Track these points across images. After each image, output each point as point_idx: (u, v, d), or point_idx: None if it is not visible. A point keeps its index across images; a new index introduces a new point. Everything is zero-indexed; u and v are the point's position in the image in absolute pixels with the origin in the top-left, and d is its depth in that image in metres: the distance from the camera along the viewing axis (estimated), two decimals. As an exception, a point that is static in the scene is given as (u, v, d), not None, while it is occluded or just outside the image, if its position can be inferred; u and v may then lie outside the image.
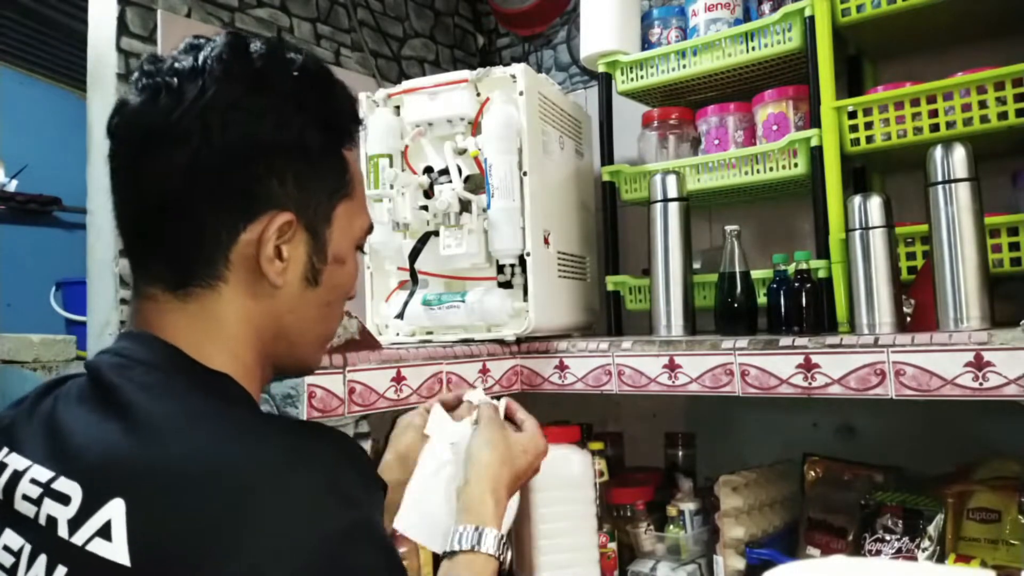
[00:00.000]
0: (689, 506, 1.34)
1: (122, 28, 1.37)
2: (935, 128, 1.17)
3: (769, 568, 0.78)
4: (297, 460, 0.55)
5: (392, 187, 1.33)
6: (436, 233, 1.35)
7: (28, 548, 0.53)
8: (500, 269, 1.36)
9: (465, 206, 1.29)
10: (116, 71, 1.37)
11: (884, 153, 1.24)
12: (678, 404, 1.60)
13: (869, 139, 1.22)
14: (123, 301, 1.36)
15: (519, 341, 1.37)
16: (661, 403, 1.61)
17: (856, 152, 1.24)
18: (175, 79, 0.61)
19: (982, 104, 1.13)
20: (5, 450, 0.59)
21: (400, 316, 1.38)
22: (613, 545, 1.34)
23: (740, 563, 1.23)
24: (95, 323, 1.41)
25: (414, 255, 1.38)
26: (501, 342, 1.34)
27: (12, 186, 3.11)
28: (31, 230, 3.16)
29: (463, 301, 1.31)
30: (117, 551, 0.50)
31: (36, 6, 2.53)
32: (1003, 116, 1.11)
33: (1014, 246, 1.11)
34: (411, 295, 1.37)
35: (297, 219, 0.64)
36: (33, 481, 0.55)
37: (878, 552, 1.12)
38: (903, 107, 1.19)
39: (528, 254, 1.32)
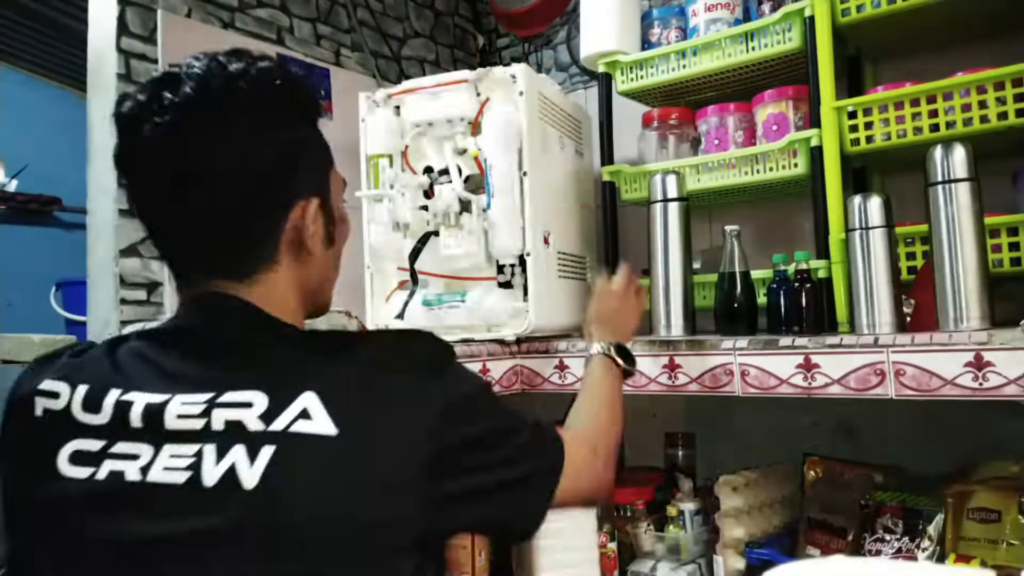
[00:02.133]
0: (689, 506, 1.34)
1: (122, 28, 1.37)
2: (935, 128, 1.17)
3: (769, 568, 0.78)
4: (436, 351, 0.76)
5: (392, 187, 1.33)
6: (436, 233, 1.35)
7: (211, 448, 0.63)
8: (500, 269, 1.36)
9: (465, 206, 1.30)
10: (116, 71, 1.37)
11: (884, 153, 1.24)
12: (678, 404, 1.60)
13: (869, 139, 1.22)
14: (123, 301, 1.36)
15: (519, 341, 1.37)
16: (661, 403, 1.61)
17: (856, 152, 1.24)
18: (186, 113, 0.69)
19: (982, 104, 1.13)
20: (117, 391, 0.67)
21: (400, 316, 1.38)
22: (613, 545, 1.34)
23: (740, 563, 1.23)
24: (95, 323, 1.41)
25: (414, 255, 1.38)
26: (501, 342, 1.34)
27: (12, 186, 3.11)
28: (31, 230, 3.16)
29: (463, 301, 1.31)
30: (321, 425, 0.63)
31: (36, 6, 2.53)
32: (1003, 116, 1.12)
33: (1014, 246, 1.11)
34: (411, 295, 1.38)
35: (319, 199, 0.77)
36: (185, 403, 0.65)
37: (878, 552, 1.12)
38: (903, 107, 1.19)
39: (528, 254, 1.32)
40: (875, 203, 1.11)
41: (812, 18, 1.26)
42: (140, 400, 0.66)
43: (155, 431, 0.64)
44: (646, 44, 1.55)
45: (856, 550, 1.14)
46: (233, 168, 0.70)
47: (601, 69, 1.54)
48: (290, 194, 0.75)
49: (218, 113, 0.70)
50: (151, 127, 0.68)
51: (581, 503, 0.89)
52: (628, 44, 1.53)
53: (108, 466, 0.64)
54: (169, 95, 0.69)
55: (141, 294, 1.38)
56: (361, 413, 0.65)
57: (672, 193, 1.31)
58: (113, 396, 0.67)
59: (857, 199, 1.13)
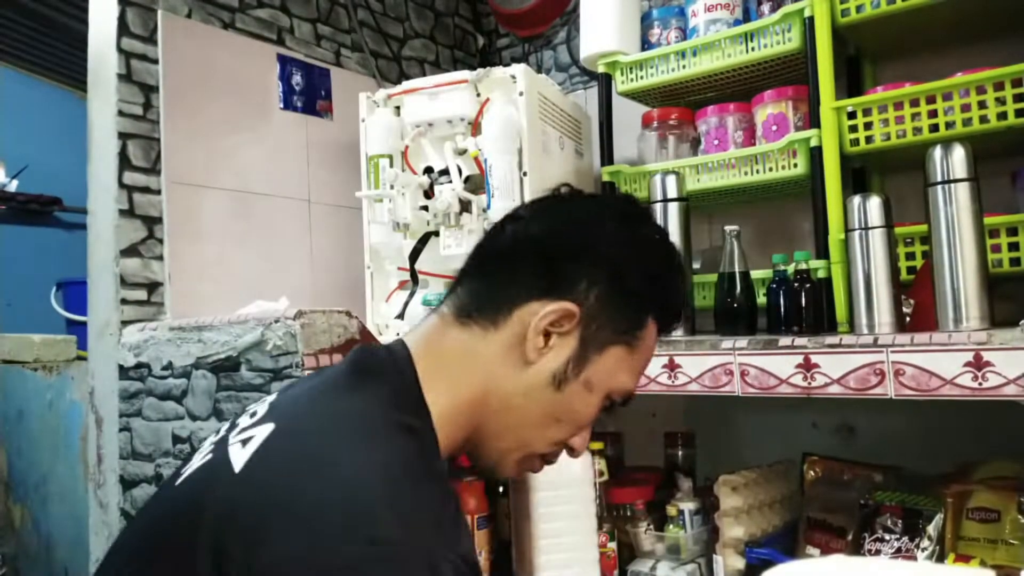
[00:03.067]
0: (689, 506, 1.34)
1: (122, 28, 1.37)
2: (935, 128, 1.17)
3: (769, 568, 0.78)
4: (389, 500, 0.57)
5: (392, 187, 1.34)
6: (436, 233, 1.35)
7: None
8: (500, 269, 1.36)
9: (465, 206, 1.30)
10: (116, 71, 1.37)
11: (884, 153, 1.24)
12: (678, 404, 1.60)
13: (869, 139, 1.22)
14: (123, 301, 1.36)
15: (519, 341, 1.36)
16: (661, 403, 1.61)
17: (856, 152, 1.25)
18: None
19: (982, 104, 1.13)
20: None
21: (400, 316, 1.38)
22: (613, 545, 1.34)
23: (740, 563, 1.23)
24: (95, 323, 1.42)
25: (414, 255, 1.38)
26: (501, 342, 1.34)
27: (12, 186, 3.11)
28: (31, 230, 3.17)
29: (463, 301, 1.31)
30: (239, 457, 0.61)
31: (36, 6, 2.54)
32: (1003, 116, 1.12)
33: (1013, 246, 1.11)
34: (411, 295, 1.38)
35: (580, 322, 0.71)
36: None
37: (877, 552, 1.12)
38: (903, 107, 1.19)
39: (528, 254, 1.32)
40: (875, 203, 1.11)
41: (812, 18, 1.26)
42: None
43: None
44: (646, 44, 1.55)
45: (856, 550, 1.14)
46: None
47: (601, 69, 1.54)
48: (562, 286, 0.71)
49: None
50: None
51: None
52: (628, 44, 1.53)
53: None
54: None
55: (141, 294, 1.38)
56: (268, 472, 0.61)
57: (672, 193, 1.31)
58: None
59: (857, 199, 1.13)
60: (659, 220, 1.31)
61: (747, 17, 1.46)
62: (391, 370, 0.68)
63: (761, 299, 1.26)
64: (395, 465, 0.58)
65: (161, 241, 1.41)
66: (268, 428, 0.63)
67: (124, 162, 1.37)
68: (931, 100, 1.17)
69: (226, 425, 0.72)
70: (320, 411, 0.66)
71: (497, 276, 0.73)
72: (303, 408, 0.68)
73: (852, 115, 1.23)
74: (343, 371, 0.69)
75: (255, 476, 0.59)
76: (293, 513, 0.55)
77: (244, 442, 0.63)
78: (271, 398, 0.73)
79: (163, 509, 0.67)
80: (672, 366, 1.20)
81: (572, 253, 0.72)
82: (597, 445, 1.39)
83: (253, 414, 0.68)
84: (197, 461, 0.67)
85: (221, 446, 0.65)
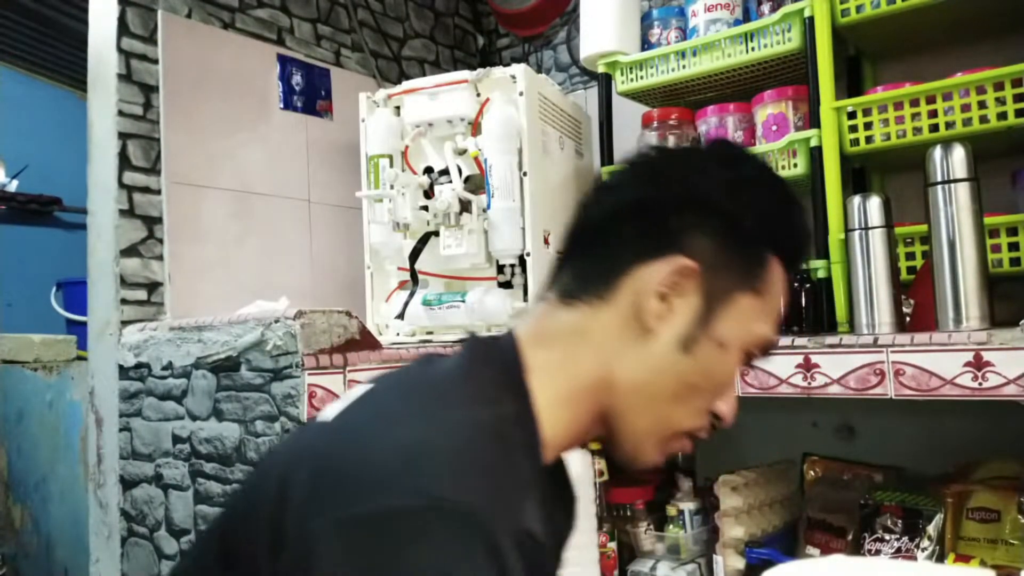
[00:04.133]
0: (689, 506, 1.34)
1: (122, 28, 1.37)
2: (935, 128, 1.17)
3: (769, 568, 0.78)
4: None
5: (392, 187, 1.34)
6: (436, 233, 1.35)
7: None
8: (500, 269, 1.36)
9: (465, 206, 1.30)
10: (116, 71, 1.37)
11: (884, 153, 1.24)
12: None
13: (869, 139, 1.22)
14: (123, 301, 1.36)
15: (519, 341, 1.36)
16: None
17: (856, 152, 1.25)
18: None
19: (982, 104, 1.13)
20: None
21: (400, 316, 1.38)
22: (613, 545, 1.34)
23: (740, 563, 1.23)
24: (95, 323, 1.42)
25: (414, 255, 1.38)
26: (501, 342, 1.34)
27: (12, 186, 3.11)
28: (31, 230, 3.17)
29: (463, 301, 1.31)
30: (332, 410, 0.61)
31: (36, 6, 2.54)
32: (1003, 116, 1.12)
33: (1013, 246, 1.11)
34: (411, 295, 1.38)
35: (697, 276, 0.64)
36: None
37: (877, 552, 1.12)
38: (903, 107, 1.19)
39: (528, 254, 1.32)
40: (874, 203, 1.11)
41: (812, 18, 1.26)
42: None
43: None
44: (646, 44, 1.55)
45: (856, 550, 1.14)
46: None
47: (601, 69, 1.54)
48: (671, 240, 0.65)
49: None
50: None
51: None
52: (628, 44, 1.53)
53: None
54: None
55: (141, 294, 1.38)
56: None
57: (672, 193, 1.31)
58: None
59: (856, 199, 1.13)
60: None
61: (747, 17, 1.46)
62: (495, 354, 0.65)
63: (761, 299, 1.26)
64: (468, 429, 0.56)
65: (161, 241, 1.41)
66: (365, 388, 0.63)
67: (124, 162, 1.37)
68: (931, 100, 1.17)
69: None
70: (414, 379, 0.65)
71: (599, 249, 0.68)
72: (401, 376, 0.67)
73: (852, 115, 1.23)
74: (456, 355, 0.67)
75: (335, 424, 0.59)
76: (348, 459, 0.54)
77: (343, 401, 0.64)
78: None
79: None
80: (672, 366, 1.19)
81: (676, 206, 0.66)
82: (597, 445, 1.39)
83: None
84: None
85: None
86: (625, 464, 0.70)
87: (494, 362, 0.64)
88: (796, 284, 1.21)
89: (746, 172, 0.70)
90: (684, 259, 0.63)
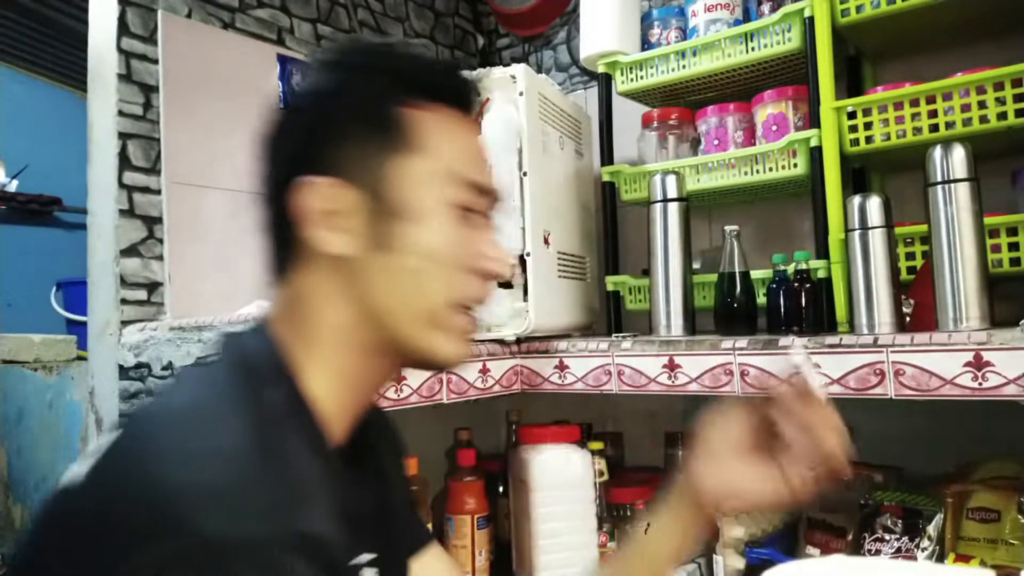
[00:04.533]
0: (689, 506, 1.34)
1: (122, 28, 1.37)
2: (935, 128, 1.17)
3: (769, 568, 0.78)
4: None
5: (392, 187, 1.33)
6: (436, 233, 1.35)
7: None
8: (500, 269, 1.36)
9: (465, 206, 1.30)
10: (116, 71, 1.37)
11: (884, 153, 1.24)
12: (678, 404, 1.60)
13: (869, 139, 1.22)
14: (123, 301, 1.36)
15: (519, 341, 1.37)
16: (661, 403, 1.61)
17: (856, 152, 1.25)
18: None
19: (982, 104, 1.13)
20: None
21: (400, 316, 1.38)
22: (613, 545, 1.34)
23: (740, 562, 1.23)
24: (95, 323, 1.41)
25: (414, 255, 1.38)
26: (501, 342, 1.34)
27: (12, 186, 3.11)
28: (31, 230, 3.17)
29: (463, 301, 1.31)
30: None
31: (36, 6, 2.54)
32: (1003, 116, 1.12)
33: (1013, 246, 1.11)
34: (411, 295, 1.38)
35: (336, 182, 0.63)
36: None
37: (877, 552, 1.12)
38: (903, 107, 1.19)
39: (528, 254, 1.32)
40: (874, 203, 1.11)
41: (812, 18, 1.26)
42: None
43: None
44: (646, 44, 1.55)
45: (855, 550, 1.14)
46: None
47: (601, 69, 1.54)
48: (303, 169, 0.63)
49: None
50: None
51: None
52: (628, 44, 1.53)
53: None
54: None
55: (142, 294, 1.38)
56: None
57: (672, 193, 1.31)
58: None
59: (856, 199, 1.13)
60: (659, 220, 1.31)
61: (747, 17, 1.46)
62: (249, 351, 0.63)
63: (761, 299, 1.26)
64: (225, 455, 0.53)
65: (161, 241, 1.41)
66: (112, 435, 0.58)
67: (124, 162, 1.37)
68: (931, 100, 1.17)
69: None
70: (164, 411, 0.60)
71: (262, 220, 0.67)
72: (151, 411, 0.62)
73: (852, 115, 1.23)
74: (210, 363, 0.64)
75: (89, 480, 0.54)
76: (109, 517, 0.50)
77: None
78: None
79: None
80: (672, 366, 1.20)
81: (276, 155, 0.67)
82: (597, 445, 1.39)
83: None
84: None
85: None
86: (435, 366, 0.68)
87: (247, 361, 0.62)
88: (796, 284, 1.21)
89: (320, 75, 0.69)
90: (311, 179, 0.63)
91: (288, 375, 0.62)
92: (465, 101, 0.70)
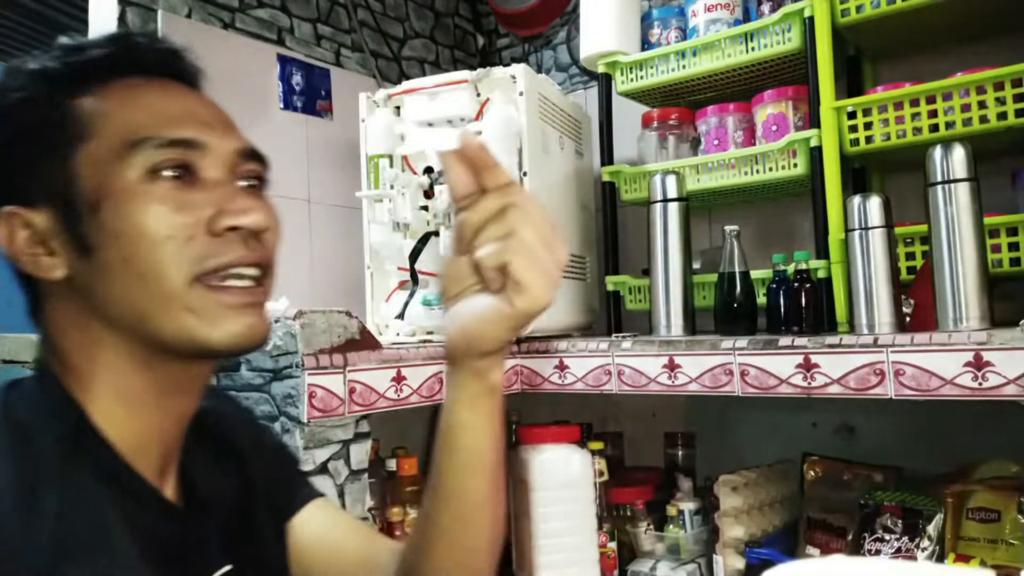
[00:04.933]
0: (689, 506, 1.34)
1: (122, 29, 1.37)
2: (935, 128, 1.17)
3: (769, 568, 0.78)
4: None
5: (392, 187, 1.33)
6: (436, 233, 1.35)
7: None
8: (500, 269, 1.36)
9: (465, 206, 1.30)
10: (116, 71, 1.37)
11: (884, 153, 1.24)
12: (678, 404, 1.61)
13: (869, 139, 1.22)
14: (123, 301, 1.36)
15: (519, 341, 1.37)
16: (661, 403, 1.61)
17: (855, 152, 1.25)
18: None
19: (982, 104, 1.13)
20: None
21: (400, 316, 1.38)
22: (613, 545, 1.34)
23: (740, 563, 1.23)
24: (95, 323, 1.41)
25: (414, 255, 1.38)
26: (501, 342, 1.34)
27: (12, 186, 3.11)
28: (31, 230, 3.16)
29: (463, 301, 1.31)
30: None
31: (36, 6, 2.54)
32: (1003, 116, 1.12)
33: (1013, 246, 1.11)
34: (411, 295, 1.38)
35: (29, 201, 0.57)
36: None
37: (877, 552, 1.12)
38: (903, 107, 1.19)
39: (528, 254, 1.32)
40: (874, 203, 1.12)
41: (812, 18, 1.26)
42: None
43: None
44: (646, 44, 1.55)
45: (856, 550, 1.14)
46: None
47: (601, 69, 1.54)
48: None
49: None
50: None
51: None
52: (628, 44, 1.53)
53: None
54: None
55: (141, 294, 1.38)
56: None
57: (672, 193, 1.31)
58: None
59: (856, 199, 1.13)
60: (659, 220, 1.31)
61: (747, 17, 1.46)
62: (28, 398, 0.58)
63: (761, 299, 1.26)
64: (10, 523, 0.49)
65: (161, 241, 1.41)
66: None
67: (124, 162, 1.37)
68: (931, 100, 1.17)
69: None
70: None
71: None
72: None
73: (852, 115, 1.23)
74: None
75: None
76: None
77: None
78: None
79: None
80: (672, 366, 1.20)
81: None
82: (597, 445, 1.39)
83: None
84: None
85: None
86: (214, 353, 0.59)
87: (14, 411, 0.56)
88: (796, 284, 1.21)
89: None
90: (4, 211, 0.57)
91: (66, 414, 0.57)
92: (141, 64, 0.62)
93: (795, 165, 1.30)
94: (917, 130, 1.18)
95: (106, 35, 0.63)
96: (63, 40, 0.62)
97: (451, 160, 0.59)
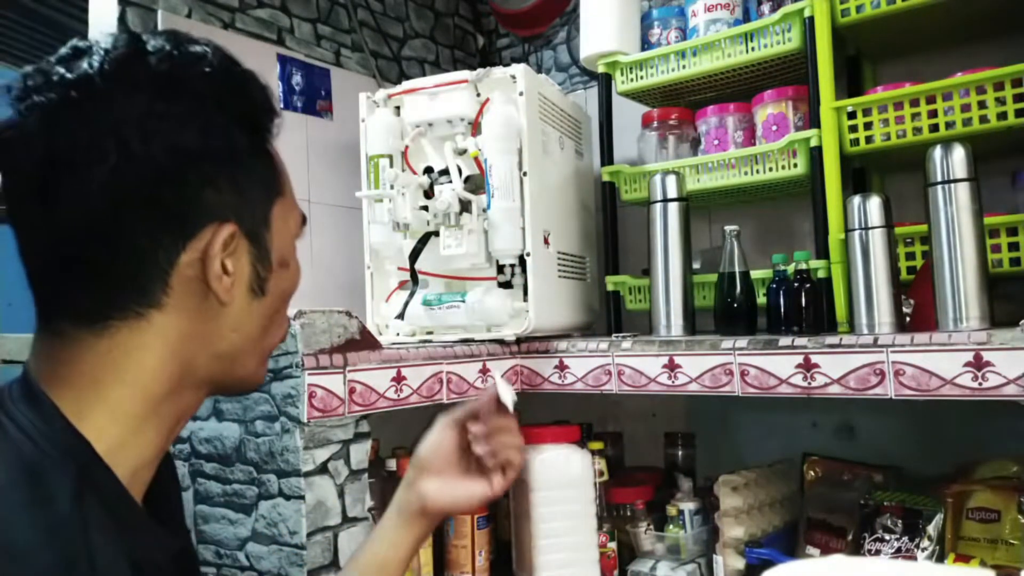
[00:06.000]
0: (689, 506, 1.34)
1: (123, 29, 1.37)
2: (935, 128, 1.17)
3: (769, 568, 0.78)
4: None
5: (392, 187, 1.33)
6: (436, 233, 1.35)
7: None
8: (500, 269, 1.36)
9: (465, 206, 1.30)
10: (116, 71, 1.37)
11: (884, 153, 1.24)
12: (678, 404, 1.61)
13: (869, 139, 1.22)
14: (123, 301, 1.36)
15: (519, 341, 1.37)
16: (661, 403, 1.61)
17: (855, 152, 1.25)
18: (72, 92, 0.54)
19: (982, 104, 1.13)
20: None
21: (400, 316, 1.38)
22: (613, 545, 1.34)
23: (740, 563, 1.23)
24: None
25: (414, 255, 1.38)
26: (501, 342, 1.35)
27: (12, 186, 3.11)
28: (31, 230, 3.16)
29: (463, 301, 1.31)
30: None
31: (36, 6, 2.54)
32: (1003, 116, 1.12)
33: (1013, 246, 1.11)
34: (411, 295, 1.38)
35: (239, 228, 0.59)
36: None
37: (877, 552, 1.12)
38: (903, 107, 1.19)
39: (528, 254, 1.32)
40: (874, 203, 1.12)
41: (812, 18, 1.26)
42: None
43: None
44: (646, 44, 1.55)
45: (856, 550, 1.14)
46: (106, 160, 0.53)
47: (601, 69, 1.54)
48: (196, 217, 0.57)
49: (107, 91, 0.54)
50: (28, 105, 0.54)
51: None
52: (628, 44, 1.53)
53: None
54: (62, 70, 0.55)
55: (141, 294, 1.38)
56: None
57: (672, 193, 1.31)
58: None
59: (856, 199, 1.13)
60: (659, 220, 1.32)
61: (747, 17, 1.46)
62: (26, 430, 0.56)
63: (761, 299, 1.27)
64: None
65: (161, 241, 1.41)
66: None
67: (124, 162, 1.37)
68: (931, 100, 1.17)
69: None
70: None
71: (110, 260, 0.56)
72: None
73: (852, 115, 1.23)
74: None
75: None
76: None
77: None
78: None
79: None
80: (672, 366, 1.20)
81: (166, 176, 0.56)
82: (597, 445, 1.39)
83: None
84: None
85: None
86: (249, 391, 0.73)
87: (35, 449, 0.54)
88: (796, 284, 1.21)
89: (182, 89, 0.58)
90: (221, 226, 0.58)
91: (77, 452, 0.55)
92: (275, 128, 0.66)
93: (795, 165, 1.30)
94: (917, 130, 1.18)
95: (264, 86, 0.64)
96: (253, 78, 0.63)
97: (493, 399, 0.85)
